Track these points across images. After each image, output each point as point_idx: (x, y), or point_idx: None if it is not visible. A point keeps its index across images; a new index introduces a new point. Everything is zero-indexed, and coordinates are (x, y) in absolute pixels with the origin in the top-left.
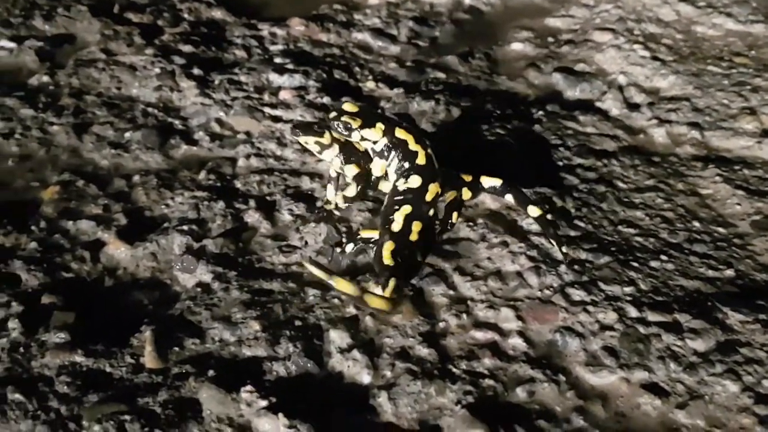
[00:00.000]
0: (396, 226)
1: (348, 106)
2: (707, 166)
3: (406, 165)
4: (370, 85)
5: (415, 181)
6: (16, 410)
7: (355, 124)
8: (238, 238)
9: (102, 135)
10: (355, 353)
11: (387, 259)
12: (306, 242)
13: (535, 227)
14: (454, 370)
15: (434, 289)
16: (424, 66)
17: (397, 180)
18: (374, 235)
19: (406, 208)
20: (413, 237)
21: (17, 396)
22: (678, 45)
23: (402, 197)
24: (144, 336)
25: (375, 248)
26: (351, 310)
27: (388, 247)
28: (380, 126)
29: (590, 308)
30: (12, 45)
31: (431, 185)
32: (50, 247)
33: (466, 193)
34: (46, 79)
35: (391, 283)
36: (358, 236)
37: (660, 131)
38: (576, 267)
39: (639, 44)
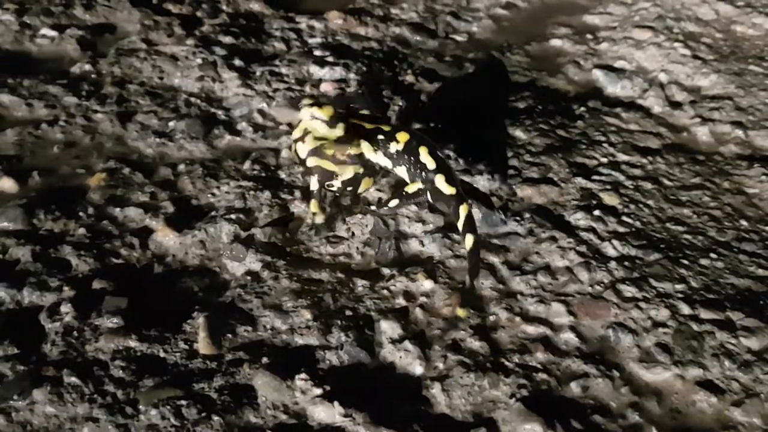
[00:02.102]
0: (431, 165)
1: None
2: (752, 166)
3: (380, 136)
4: (410, 79)
5: (402, 136)
6: (72, 393)
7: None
8: (285, 228)
9: (146, 124)
10: (407, 344)
11: (449, 189)
12: (353, 233)
13: (583, 222)
14: (507, 363)
15: (483, 283)
16: (462, 61)
17: (388, 147)
18: (419, 186)
19: (423, 148)
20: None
21: (73, 379)
22: (718, 44)
23: (406, 150)
24: (197, 322)
25: (428, 191)
26: (400, 302)
27: (441, 179)
28: (341, 126)
29: (642, 305)
30: (53, 33)
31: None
32: (99, 233)
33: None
34: (88, 67)
35: (463, 210)
36: (404, 192)
37: (703, 130)
38: (626, 263)
39: (679, 42)
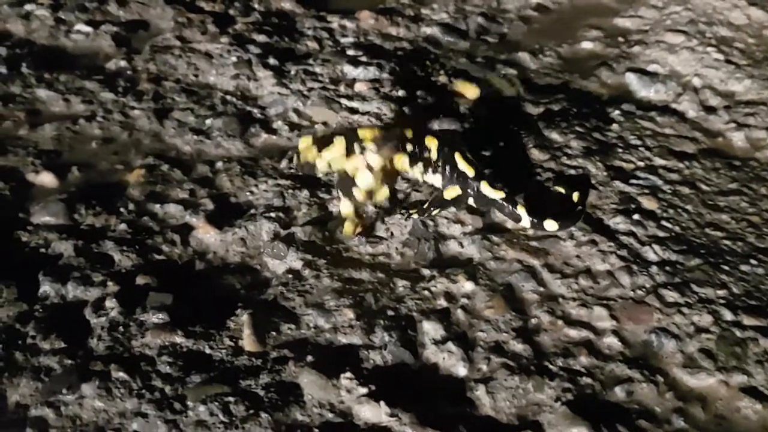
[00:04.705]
0: (471, 172)
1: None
2: None
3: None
4: (442, 79)
5: (431, 141)
6: (121, 388)
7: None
8: (324, 227)
9: (183, 121)
10: (450, 345)
11: (496, 193)
12: (392, 233)
13: (623, 227)
14: (551, 366)
15: (524, 286)
16: (494, 62)
17: (421, 156)
18: (458, 192)
19: (458, 155)
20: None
21: (121, 374)
22: (751, 49)
23: (440, 158)
24: (241, 319)
25: (472, 197)
26: (442, 303)
27: (485, 185)
28: (339, 139)
29: (685, 310)
30: (88, 29)
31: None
32: (140, 229)
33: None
34: (123, 63)
35: (521, 209)
36: (443, 198)
37: (739, 135)
38: (668, 268)
39: (712, 47)
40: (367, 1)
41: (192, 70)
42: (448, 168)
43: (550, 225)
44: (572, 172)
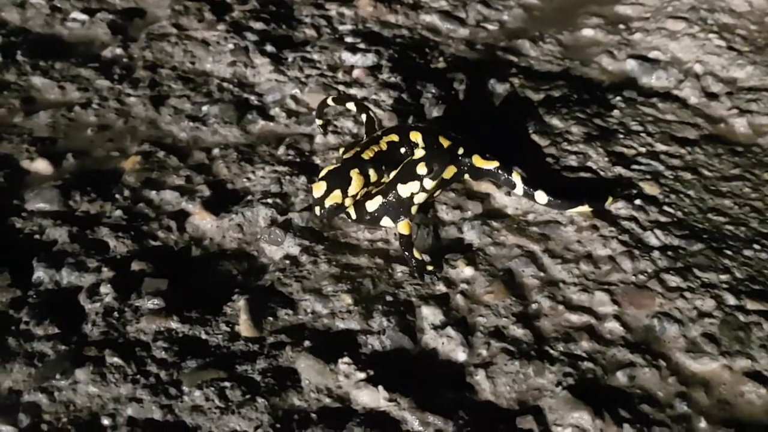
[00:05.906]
0: (459, 150)
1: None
2: None
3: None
4: (442, 66)
5: (415, 135)
6: (115, 373)
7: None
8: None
9: (179, 108)
10: (449, 330)
11: (490, 164)
12: None
13: (624, 212)
14: (552, 351)
15: (524, 271)
16: (494, 49)
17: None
18: (454, 170)
19: (441, 138)
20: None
21: (116, 359)
22: (753, 36)
23: (428, 148)
24: (237, 305)
25: (467, 172)
26: (441, 288)
27: (477, 158)
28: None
29: (687, 294)
30: (84, 17)
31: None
32: (135, 215)
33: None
34: (119, 51)
35: (516, 176)
36: (442, 178)
37: (741, 121)
38: (669, 253)
39: (714, 34)
40: None
41: (188, 57)
42: (436, 153)
43: (541, 197)
44: (573, 157)
